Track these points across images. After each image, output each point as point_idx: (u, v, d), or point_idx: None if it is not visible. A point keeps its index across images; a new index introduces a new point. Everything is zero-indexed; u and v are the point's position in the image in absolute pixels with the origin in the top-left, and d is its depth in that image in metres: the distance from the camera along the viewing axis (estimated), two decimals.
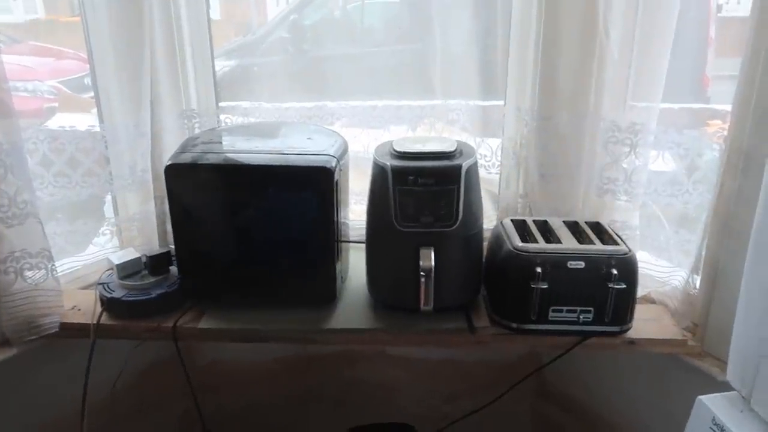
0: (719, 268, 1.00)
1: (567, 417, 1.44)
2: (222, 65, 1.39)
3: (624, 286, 0.99)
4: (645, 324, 1.07)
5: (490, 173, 1.30)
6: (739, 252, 0.89)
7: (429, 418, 1.43)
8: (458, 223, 1.00)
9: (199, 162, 1.02)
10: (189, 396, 1.18)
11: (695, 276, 1.06)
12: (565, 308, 1.02)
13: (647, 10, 1.04)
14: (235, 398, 1.51)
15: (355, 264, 1.21)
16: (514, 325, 1.04)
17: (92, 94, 1.20)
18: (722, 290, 1.00)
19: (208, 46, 1.29)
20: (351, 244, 1.21)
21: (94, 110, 1.22)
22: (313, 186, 1.02)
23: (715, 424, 0.69)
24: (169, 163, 1.02)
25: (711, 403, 0.71)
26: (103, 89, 1.17)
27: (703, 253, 1.04)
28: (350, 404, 1.52)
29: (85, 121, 1.23)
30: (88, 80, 1.69)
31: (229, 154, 1.05)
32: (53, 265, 1.09)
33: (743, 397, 0.70)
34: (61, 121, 1.25)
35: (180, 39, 1.24)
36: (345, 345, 1.38)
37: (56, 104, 1.72)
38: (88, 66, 1.20)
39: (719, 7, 1.42)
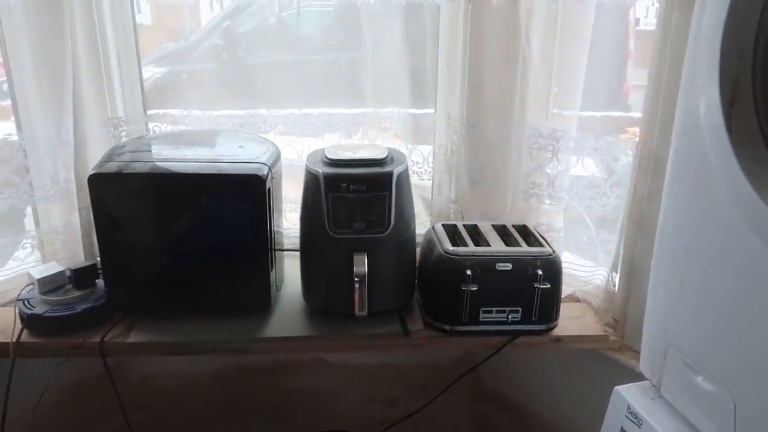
0: (635, 266, 1.06)
1: (502, 415, 1.48)
2: (153, 72, 1.36)
3: (549, 285, 1.03)
4: (570, 322, 1.12)
5: (422, 179, 1.33)
6: (652, 250, 0.95)
7: (368, 424, 1.44)
8: (390, 228, 1.02)
9: (126, 171, 0.99)
10: (120, 413, 1.14)
11: (615, 274, 1.12)
12: (494, 309, 1.05)
13: (565, 23, 1.09)
14: (170, 412, 1.46)
15: (289, 272, 1.21)
16: (447, 327, 1.07)
17: (9, 101, 1.15)
18: (638, 287, 1.06)
19: (135, 51, 1.26)
20: (286, 252, 1.21)
21: (12, 119, 1.17)
22: (245, 194, 1.01)
23: (630, 412, 0.74)
24: (93, 172, 0.99)
25: (626, 392, 0.76)
26: (21, 96, 1.12)
27: (621, 252, 1.10)
28: (289, 413, 1.51)
29: (1, 129, 1.18)
30: (5, 86, 1.61)
31: (157, 163, 1.03)
32: None
33: (654, 386, 0.75)
34: None
35: (104, 45, 1.20)
36: (282, 354, 1.37)
37: None
38: (3, 71, 1.14)
39: (637, 21, 1.51)
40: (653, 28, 1.00)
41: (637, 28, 1.51)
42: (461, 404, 1.54)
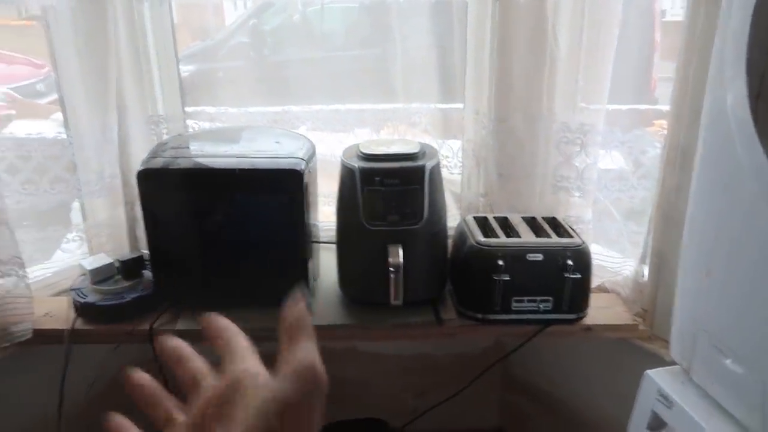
0: (664, 257, 1.09)
1: (532, 404, 1.51)
2: (182, 70, 1.41)
3: (579, 275, 1.06)
4: (600, 311, 1.14)
5: (452, 174, 1.36)
6: (680, 241, 0.97)
7: (400, 412, 1.48)
8: (423, 220, 1.06)
9: (171, 167, 1.04)
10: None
11: (643, 265, 1.14)
12: (526, 298, 1.08)
13: (592, 17, 1.11)
14: None
15: (325, 263, 1.25)
16: (480, 315, 1.10)
17: (48, 99, 1.20)
18: (667, 277, 1.08)
19: (173, 50, 1.30)
20: (322, 244, 1.25)
21: (54, 116, 1.22)
22: (283, 188, 1.05)
23: (661, 395, 0.76)
24: (142, 168, 1.04)
25: (656, 376, 0.79)
26: (69, 95, 1.18)
27: (650, 243, 1.12)
28: (326, 402, 1.55)
29: (44, 127, 1.23)
30: (41, 86, 1.67)
31: (200, 159, 1.08)
32: (24, 272, 1.10)
33: (684, 370, 0.78)
34: (17, 128, 1.25)
35: (145, 44, 1.25)
36: (319, 342, 1.41)
37: (13, 111, 1.70)
38: (40, 71, 1.20)
39: (663, 12, 1.52)
40: (679, 18, 1.02)
41: (663, 19, 1.51)
42: (492, 393, 1.57)
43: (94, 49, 1.16)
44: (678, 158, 1.02)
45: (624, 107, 1.28)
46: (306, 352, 0.35)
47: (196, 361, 0.40)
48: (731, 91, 0.63)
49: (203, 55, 1.50)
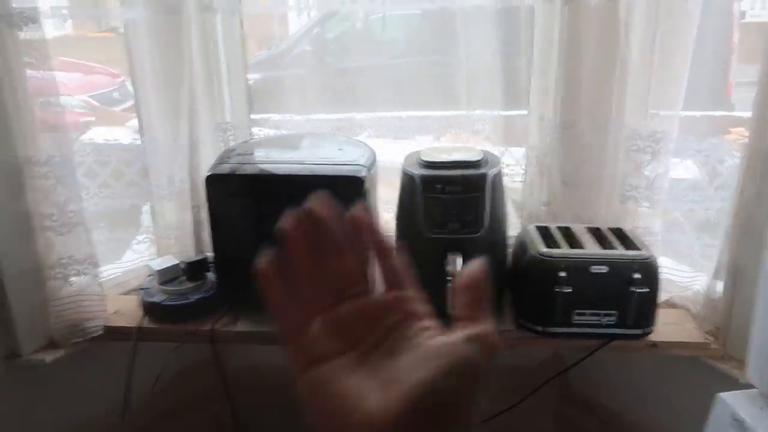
0: (740, 272, 1.02)
1: (590, 420, 1.46)
2: (249, 78, 1.45)
3: (646, 289, 1.02)
4: (667, 327, 1.09)
5: (513, 182, 1.34)
6: (760, 256, 0.92)
7: None
8: (484, 229, 1.04)
9: (237, 172, 1.07)
10: (224, 398, 1.23)
11: (716, 280, 1.08)
12: (588, 312, 1.05)
13: (668, 20, 1.07)
14: (268, 400, 1.55)
15: None
16: (539, 328, 1.07)
17: (123, 107, 1.26)
18: (744, 294, 1.02)
19: (242, 60, 1.34)
20: None
21: (129, 123, 1.28)
22: (345, 195, 1.05)
23: (735, 420, 0.72)
24: (210, 173, 1.08)
25: (731, 399, 0.74)
26: (144, 103, 1.23)
27: (725, 256, 1.06)
28: None
29: (120, 134, 1.30)
30: (117, 94, 1.76)
31: (265, 165, 1.10)
32: (98, 271, 1.15)
33: (762, 395, 0.73)
34: (95, 134, 1.32)
35: (216, 54, 1.29)
36: None
37: (93, 118, 1.80)
38: (116, 80, 1.26)
39: (743, 13, 1.44)
40: (761, 19, 0.96)
41: (743, 21, 1.44)
42: (548, 407, 1.53)
43: (169, 59, 1.21)
44: (759, 167, 0.96)
45: (698, 114, 1.22)
46: (489, 325, 0.33)
47: (399, 271, 0.37)
48: None
49: (268, 64, 1.54)
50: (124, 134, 1.34)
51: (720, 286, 1.08)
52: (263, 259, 0.36)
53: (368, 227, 0.37)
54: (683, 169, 1.14)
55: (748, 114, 1.02)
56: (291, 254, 0.36)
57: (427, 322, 0.34)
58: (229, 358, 1.46)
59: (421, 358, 0.31)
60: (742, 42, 1.38)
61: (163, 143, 1.25)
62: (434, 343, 0.32)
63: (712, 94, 1.31)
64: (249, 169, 1.08)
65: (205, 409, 1.48)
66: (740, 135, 1.09)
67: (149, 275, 1.21)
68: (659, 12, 1.07)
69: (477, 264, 0.36)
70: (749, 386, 0.78)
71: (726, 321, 1.06)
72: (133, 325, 1.14)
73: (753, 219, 0.98)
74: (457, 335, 0.32)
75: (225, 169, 1.08)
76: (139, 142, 1.24)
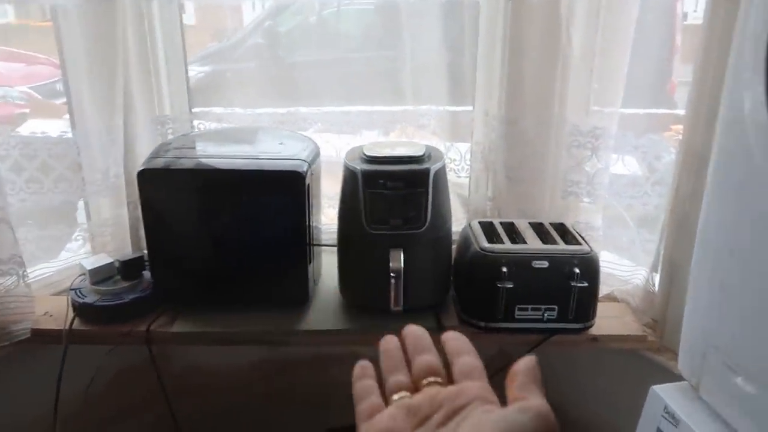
0: (676, 266, 1.05)
1: None
2: (198, 71, 1.40)
3: (586, 284, 1.02)
4: (607, 321, 1.11)
5: (459, 177, 1.33)
6: (693, 250, 0.93)
7: None
8: (427, 225, 1.03)
9: (172, 167, 1.03)
10: (164, 401, 1.19)
11: (654, 274, 1.10)
12: (530, 306, 1.05)
13: (607, 18, 1.08)
14: (210, 402, 1.51)
15: (327, 267, 1.23)
16: (482, 323, 1.07)
17: (65, 99, 1.20)
18: (679, 287, 1.04)
19: (181, 51, 1.30)
20: (324, 247, 1.23)
21: (67, 116, 1.22)
22: (285, 190, 1.04)
23: (667, 412, 0.73)
24: (142, 168, 1.03)
25: (663, 392, 0.75)
26: (76, 95, 1.18)
27: (662, 251, 1.08)
28: (326, 406, 1.53)
29: (57, 127, 1.23)
30: (60, 86, 1.68)
31: (201, 159, 1.07)
32: (24, 271, 1.09)
33: (692, 386, 0.74)
34: (32, 127, 1.25)
35: (153, 44, 1.24)
36: (318, 347, 1.39)
37: (27, 110, 1.71)
38: (59, 71, 1.20)
39: (685, 15, 1.47)
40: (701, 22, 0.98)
41: (685, 22, 1.47)
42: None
43: (102, 49, 1.16)
44: (694, 164, 0.97)
45: (641, 111, 1.24)
46: (542, 401, 0.36)
47: (433, 354, 0.42)
48: (749, 94, 0.59)
49: (219, 56, 1.50)
50: (59, 127, 1.28)
51: (657, 280, 1.10)
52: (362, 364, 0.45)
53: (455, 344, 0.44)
54: (623, 165, 1.15)
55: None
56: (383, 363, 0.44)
57: (490, 406, 0.37)
58: (171, 359, 1.42)
59: (477, 428, 0.35)
60: (684, 43, 1.41)
61: (97, 136, 1.20)
62: (490, 416, 0.36)
63: (655, 92, 1.34)
64: (185, 164, 1.04)
65: (144, 414, 1.42)
66: (678, 132, 1.11)
67: (80, 275, 1.16)
68: (600, 9, 1.08)
69: (530, 358, 0.41)
70: (683, 378, 0.79)
71: (663, 314, 1.08)
72: (62, 328, 1.08)
73: (688, 215, 1.00)
74: (512, 407, 0.36)
75: (159, 163, 1.04)
76: (69, 135, 1.18)
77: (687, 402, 0.73)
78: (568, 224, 1.15)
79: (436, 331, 1.11)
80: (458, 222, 1.28)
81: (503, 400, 0.38)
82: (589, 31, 1.10)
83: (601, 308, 1.09)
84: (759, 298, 0.62)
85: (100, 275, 1.13)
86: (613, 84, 1.11)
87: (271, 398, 1.53)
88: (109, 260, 1.15)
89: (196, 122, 1.34)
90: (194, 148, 1.15)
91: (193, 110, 1.34)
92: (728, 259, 0.67)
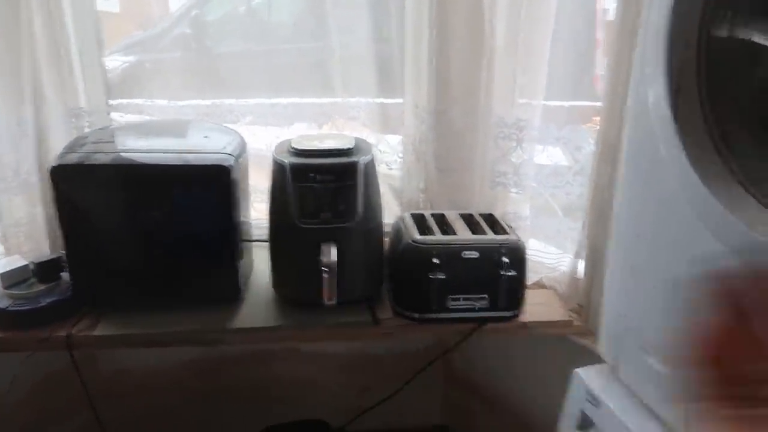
0: (598, 253, 1.08)
1: (474, 400, 1.51)
2: (121, 61, 1.34)
3: (514, 273, 1.05)
4: (536, 308, 1.14)
5: (391, 169, 1.34)
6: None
7: (343, 411, 1.46)
8: (358, 218, 1.03)
9: (88, 162, 0.98)
10: (88, 406, 1.14)
11: (579, 261, 1.14)
12: (462, 296, 1.07)
13: (528, 12, 1.10)
14: (142, 405, 1.46)
15: (259, 262, 1.21)
16: (416, 315, 1.08)
17: None
18: (601, 273, 1.08)
19: (95, 39, 1.23)
20: (255, 243, 1.21)
21: None
22: (210, 185, 1.01)
23: (589, 395, 0.76)
24: (55, 164, 0.98)
25: (585, 375, 0.78)
26: None
27: (585, 239, 1.12)
28: (264, 403, 1.51)
29: None
30: None
31: (121, 154, 1.02)
32: None
33: (613, 368, 0.77)
34: None
35: (63, 33, 1.17)
36: (251, 344, 1.37)
37: None
38: None
39: (605, 11, 1.53)
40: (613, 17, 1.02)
41: (606, 18, 1.53)
42: (434, 390, 1.56)
43: (5, 36, 1.08)
44: (610, 154, 1.01)
45: (566, 104, 1.28)
46: None
47: None
48: (652, 87, 0.62)
49: (143, 46, 1.43)
50: None
51: (581, 266, 1.14)
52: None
53: None
54: (547, 156, 1.18)
55: None
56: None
57: None
58: (99, 362, 1.36)
59: None
60: (606, 37, 1.46)
61: (5, 130, 1.13)
62: None
63: (578, 85, 1.38)
64: (101, 159, 0.99)
65: (70, 420, 1.36)
66: (597, 123, 1.15)
67: None
68: (521, 3, 1.10)
69: None
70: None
71: (587, 299, 1.13)
72: None
73: (607, 203, 1.04)
74: None
75: (73, 158, 0.98)
76: None
77: (607, 383, 0.76)
78: (497, 214, 1.17)
79: (372, 324, 1.11)
80: (392, 214, 1.28)
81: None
82: (511, 23, 1.12)
83: (531, 295, 1.12)
84: (662, 279, 0.66)
85: (13, 279, 1.06)
86: (536, 76, 1.13)
87: (207, 397, 1.50)
88: (24, 262, 1.08)
89: (115, 115, 1.28)
90: (113, 141, 1.10)
91: (111, 102, 1.28)
92: (636, 244, 0.70)
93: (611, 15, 1.54)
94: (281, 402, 1.51)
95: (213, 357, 1.46)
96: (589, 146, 1.11)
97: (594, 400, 0.76)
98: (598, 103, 1.33)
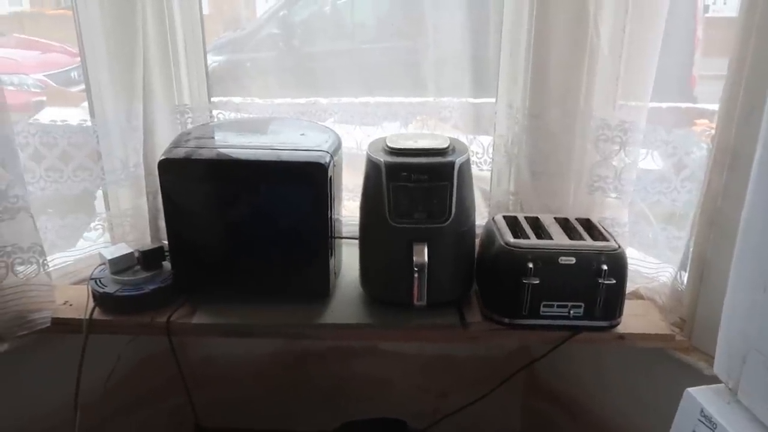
0: (706, 264, 1.02)
1: (557, 411, 1.46)
2: (211, 60, 1.39)
3: (614, 281, 1.00)
4: (634, 319, 1.09)
5: (481, 170, 1.31)
6: (726, 248, 0.91)
7: (421, 413, 1.45)
8: (451, 218, 1.02)
9: (193, 157, 1.02)
10: (182, 390, 1.19)
11: (683, 272, 1.08)
12: (556, 303, 1.03)
13: (636, 9, 1.05)
14: (227, 393, 1.51)
15: (347, 260, 1.22)
16: (506, 320, 1.05)
17: (81, 87, 1.19)
18: (709, 286, 1.02)
19: (201, 40, 1.28)
20: (344, 240, 1.22)
21: (84, 104, 1.21)
22: (307, 181, 1.02)
23: (704, 416, 0.71)
24: (163, 157, 1.02)
25: (699, 395, 0.73)
26: (95, 83, 1.17)
27: (691, 249, 1.05)
28: (342, 399, 1.53)
29: (74, 115, 1.22)
30: (75, 74, 1.67)
31: (222, 150, 1.05)
32: (45, 260, 1.09)
33: (730, 389, 0.72)
34: (49, 115, 1.24)
35: (173, 33, 1.23)
36: (337, 340, 1.38)
37: (44, 98, 1.71)
38: (75, 59, 1.19)
39: (706, 8, 1.44)
40: (724, 14, 0.95)
41: (706, 15, 1.44)
42: (514, 398, 1.52)
43: (121, 36, 1.15)
44: (727, 160, 0.95)
45: (664, 105, 1.21)
46: None
47: None
48: None
49: (233, 46, 1.48)
50: (77, 115, 1.27)
51: (686, 278, 1.08)
52: None
53: None
54: (650, 160, 1.12)
55: (711, 106, 1.01)
56: None
57: None
58: (189, 349, 1.41)
59: None
60: (705, 36, 1.38)
61: (116, 125, 1.19)
62: None
63: (677, 86, 1.31)
64: (205, 154, 1.03)
65: (164, 403, 1.43)
66: (707, 126, 1.09)
67: (101, 264, 1.15)
68: (629, 2, 1.05)
69: None
70: (716, 379, 0.77)
71: (691, 313, 1.06)
72: (83, 317, 1.08)
73: (720, 211, 0.98)
74: None
75: (180, 153, 1.03)
76: (89, 123, 1.17)
77: (724, 405, 0.70)
78: (594, 220, 1.12)
79: (460, 327, 1.10)
80: (480, 216, 1.25)
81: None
82: (618, 22, 1.07)
83: (628, 306, 1.07)
84: None
85: (120, 265, 1.12)
86: (642, 77, 1.08)
87: (289, 389, 1.53)
88: (129, 250, 1.14)
89: (215, 112, 1.33)
90: (214, 138, 1.14)
91: (212, 100, 1.33)
92: None
93: (712, 12, 1.46)
94: (360, 399, 1.52)
95: (297, 351, 1.49)
96: (700, 151, 1.04)
97: (709, 422, 0.71)
98: (701, 105, 1.26)
